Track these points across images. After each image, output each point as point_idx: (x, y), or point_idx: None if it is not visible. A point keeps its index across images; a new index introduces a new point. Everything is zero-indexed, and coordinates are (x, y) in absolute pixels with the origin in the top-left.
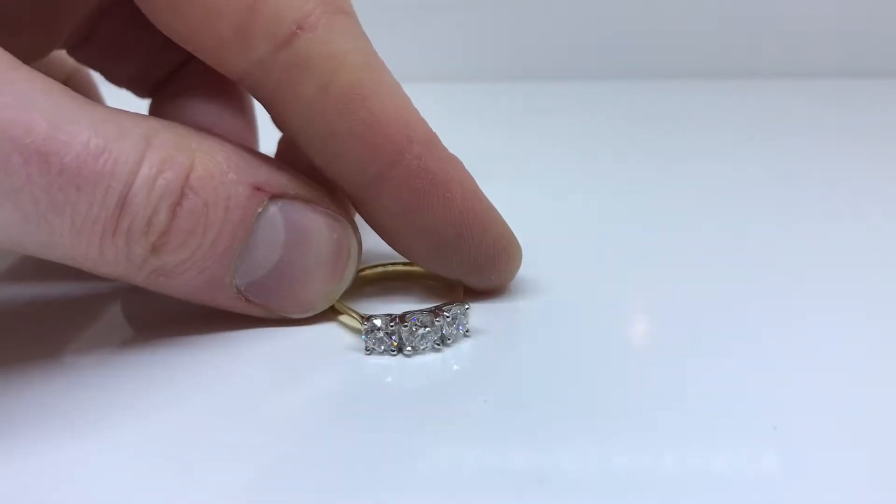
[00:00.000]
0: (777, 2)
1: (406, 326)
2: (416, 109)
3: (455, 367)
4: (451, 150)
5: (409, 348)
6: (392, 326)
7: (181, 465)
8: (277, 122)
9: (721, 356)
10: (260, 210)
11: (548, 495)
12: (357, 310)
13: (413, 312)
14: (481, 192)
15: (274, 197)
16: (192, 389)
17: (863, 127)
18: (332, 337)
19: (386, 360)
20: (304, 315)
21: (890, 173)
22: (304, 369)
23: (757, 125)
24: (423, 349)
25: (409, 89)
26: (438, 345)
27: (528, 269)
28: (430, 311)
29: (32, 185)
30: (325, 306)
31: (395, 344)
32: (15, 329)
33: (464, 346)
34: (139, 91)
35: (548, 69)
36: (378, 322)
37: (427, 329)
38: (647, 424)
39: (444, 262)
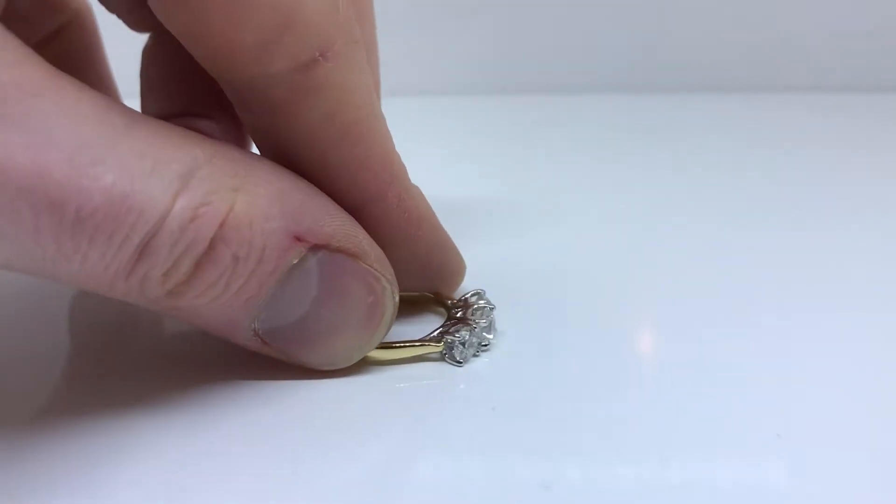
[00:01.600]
0: (780, 18)
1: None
2: (393, 146)
3: (464, 376)
4: (453, 164)
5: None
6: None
7: None
8: (260, 130)
9: (724, 365)
10: (296, 261)
11: (554, 500)
12: None
13: (450, 330)
14: (439, 223)
15: (315, 247)
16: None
17: (868, 141)
18: None
19: (390, 367)
20: (323, 367)
21: (892, 185)
22: (306, 380)
23: (761, 138)
24: (469, 358)
25: (413, 102)
26: (477, 353)
27: (535, 277)
28: (460, 321)
29: (40, 234)
30: (348, 364)
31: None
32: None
33: (472, 356)
34: (133, 24)
35: (553, 82)
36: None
37: (469, 339)
38: (651, 432)
39: (402, 284)
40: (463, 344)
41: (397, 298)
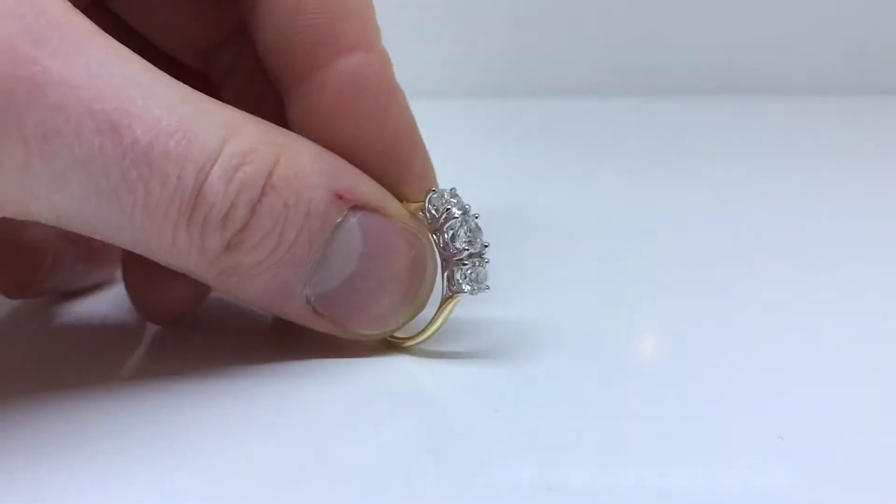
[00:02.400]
0: (782, 20)
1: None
2: (380, 34)
3: (467, 378)
4: (460, 164)
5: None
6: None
7: None
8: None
9: (726, 368)
10: (339, 219)
11: (557, 502)
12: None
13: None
14: (416, 126)
15: (355, 207)
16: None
17: (869, 143)
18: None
19: (396, 369)
20: (374, 333)
21: (893, 188)
22: (312, 374)
23: (764, 141)
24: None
25: (424, 104)
26: (482, 264)
27: (534, 281)
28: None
29: (104, 156)
30: (396, 326)
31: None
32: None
33: (476, 359)
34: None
35: (559, 85)
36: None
37: (466, 238)
38: (654, 435)
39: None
40: (470, 276)
41: (438, 257)
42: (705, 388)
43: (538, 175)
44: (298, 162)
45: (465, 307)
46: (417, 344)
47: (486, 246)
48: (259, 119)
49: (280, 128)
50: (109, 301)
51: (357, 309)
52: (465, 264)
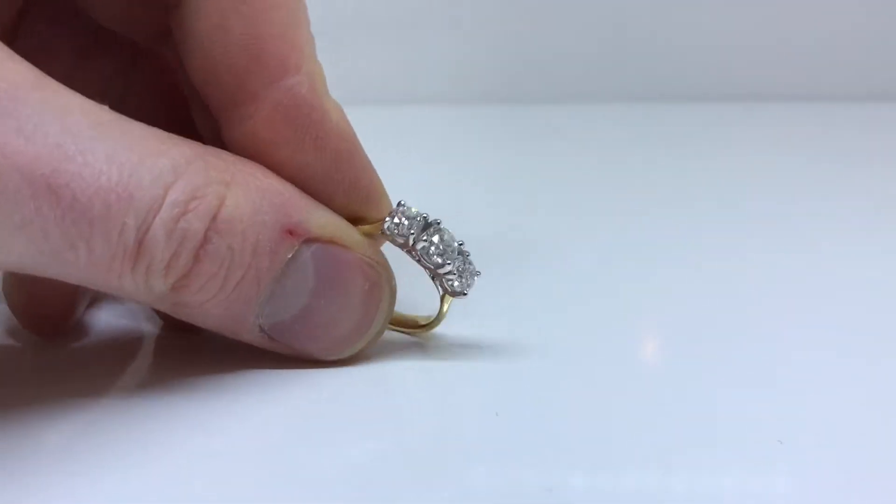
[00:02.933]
0: (785, 28)
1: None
2: (314, 51)
3: (465, 380)
4: (454, 171)
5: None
6: (417, 220)
7: None
8: (176, 23)
9: (725, 372)
10: (291, 255)
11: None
12: None
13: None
14: (358, 141)
15: (308, 241)
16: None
17: (874, 150)
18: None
19: (395, 372)
20: (330, 358)
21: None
22: (301, 381)
23: (761, 148)
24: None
25: (415, 110)
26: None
27: (534, 285)
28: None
29: (43, 218)
30: (352, 352)
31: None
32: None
33: (477, 360)
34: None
35: (554, 92)
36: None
37: (441, 247)
38: (653, 439)
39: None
40: (456, 282)
41: (394, 284)
42: (705, 392)
43: (535, 181)
44: (246, 200)
45: (465, 311)
46: (420, 334)
47: (461, 244)
48: (215, 152)
49: (236, 159)
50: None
51: (311, 338)
52: (450, 274)
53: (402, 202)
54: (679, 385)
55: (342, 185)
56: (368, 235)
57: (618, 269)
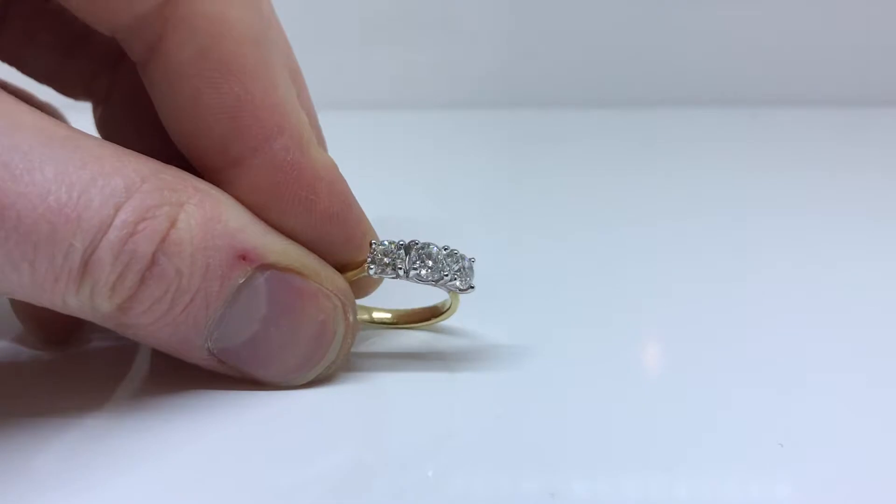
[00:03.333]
0: (784, 32)
1: (411, 254)
2: (296, 102)
3: (468, 381)
4: (452, 176)
5: (412, 272)
6: (397, 252)
7: None
8: (148, 85)
9: (724, 375)
10: (242, 280)
11: None
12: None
13: (420, 245)
14: (352, 196)
15: (262, 267)
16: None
17: (877, 155)
18: None
19: (397, 377)
20: (280, 385)
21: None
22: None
23: (759, 154)
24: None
25: (409, 115)
26: (435, 281)
27: (533, 289)
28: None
29: None
30: (303, 382)
31: (400, 268)
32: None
33: (476, 364)
34: (66, 90)
35: (551, 96)
36: (384, 247)
37: (430, 263)
38: (654, 443)
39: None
40: (457, 273)
41: (352, 318)
42: (705, 396)
43: (532, 187)
44: (199, 223)
45: (464, 315)
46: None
47: (446, 249)
48: (171, 169)
49: (194, 179)
50: None
51: (260, 365)
52: (451, 281)
53: (373, 242)
54: (680, 389)
55: (335, 243)
56: (354, 279)
57: (617, 273)
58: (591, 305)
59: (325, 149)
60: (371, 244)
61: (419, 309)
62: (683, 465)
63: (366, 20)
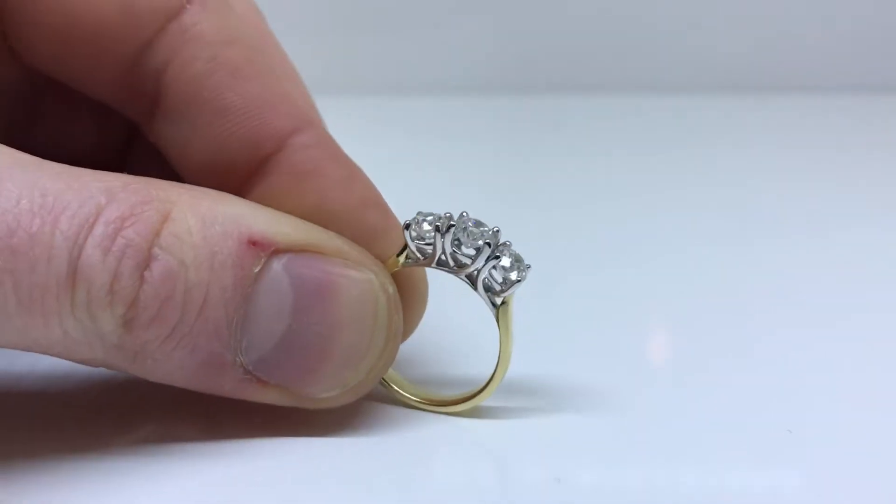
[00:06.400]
0: (785, 18)
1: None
2: (310, 98)
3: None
4: (459, 162)
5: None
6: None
7: None
8: (160, 118)
9: (734, 361)
10: (258, 269)
11: (565, 492)
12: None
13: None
14: (371, 184)
15: (276, 252)
16: None
17: (879, 143)
18: None
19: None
20: (333, 395)
21: None
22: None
23: (764, 140)
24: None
25: (415, 101)
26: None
27: (537, 281)
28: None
29: None
30: (360, 381)
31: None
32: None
33: (482, 356)
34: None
35: (557, 82)
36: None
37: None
38: (663, 429)
39: None
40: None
41: (392, 289)
42: (714, 382)
43: (537, 174)
44: (195, 213)
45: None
46: (477, 401)
47: (497, 231)
48: (152, 179)
49: (179, 184)
50: None
51: (305, 369)
52: (491, 261)
53: (410, 220)
54: (687, 377)
55: (375, 229)
56: (394, 266)
57: (620, 261)
58: (594, 297)
59: None
60: (410, 223)
61: (435, 395)
62: (691, 451)
63: (371, 4)
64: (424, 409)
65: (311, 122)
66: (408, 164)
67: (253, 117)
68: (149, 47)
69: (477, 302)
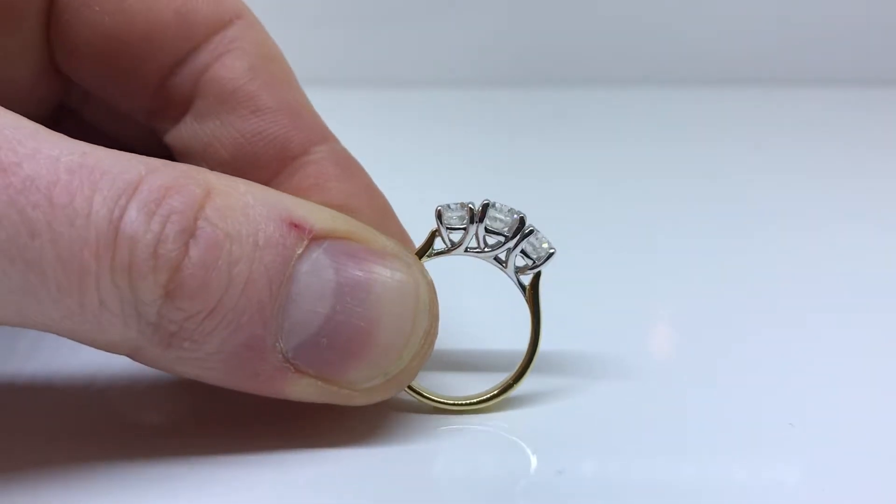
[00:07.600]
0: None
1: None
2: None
3: (479, 366)
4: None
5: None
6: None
7: None
8: (190, 117)
9: (735, 355)
10: (300, 251)
11: (566, 483)
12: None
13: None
14: (381, 193)
15: (316, 238)
16: None
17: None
18: None
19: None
20: (374, 384)
21: None
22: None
23: (764, 132)
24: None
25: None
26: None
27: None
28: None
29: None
30: (401, 369)
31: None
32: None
33: (487, 352)
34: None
35: (562, 75)
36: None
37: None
38: (665, 422)
39: None
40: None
41: (429, 277)
42: (716, 376)
43: (543, 167)
44: (235, 194)
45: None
46: (502, 397)
47: (524, 215)
48: (189, 164)
49: (216, 172)
50: None
51: (347, 355)
52: (524, 240)
53: (441, 207)
54: (689, 370)
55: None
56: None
57: (621, 256)
58: (595, 292)
59: None
60: (438, 210)
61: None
62: (694, 444)
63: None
64: (453, 412)
65: (333, 137)
66: (412, 156)
67: (285, 119)
68: (195, 51)
69: (477, 301)
